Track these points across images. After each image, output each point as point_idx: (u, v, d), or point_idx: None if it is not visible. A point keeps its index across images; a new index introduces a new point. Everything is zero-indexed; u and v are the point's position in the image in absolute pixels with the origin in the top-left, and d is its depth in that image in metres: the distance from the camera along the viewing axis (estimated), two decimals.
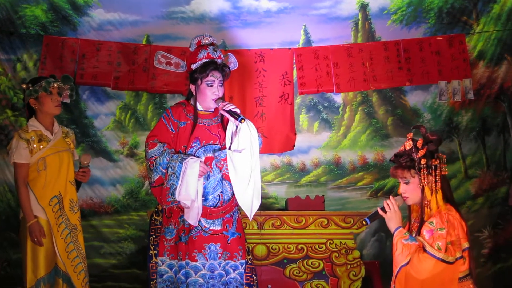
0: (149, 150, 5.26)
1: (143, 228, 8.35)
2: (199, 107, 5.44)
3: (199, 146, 5.29)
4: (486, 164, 8.42)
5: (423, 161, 4.30)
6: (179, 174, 5.06)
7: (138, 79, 8.04)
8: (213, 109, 5.45)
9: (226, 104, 5.25)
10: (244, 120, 5.15)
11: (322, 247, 7.36)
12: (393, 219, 4.38)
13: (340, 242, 7.37)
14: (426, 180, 4.30)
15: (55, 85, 5.83)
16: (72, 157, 6.01)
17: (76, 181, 6.02)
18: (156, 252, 5.36)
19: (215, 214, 5.28)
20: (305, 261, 7.36)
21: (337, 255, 7.34)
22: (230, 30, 8.44)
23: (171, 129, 5.38)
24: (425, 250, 4.17)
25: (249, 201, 5.26)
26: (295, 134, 8.19)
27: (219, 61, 5.38)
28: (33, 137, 5.74)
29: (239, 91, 8.08)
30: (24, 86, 5.92)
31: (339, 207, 8.40)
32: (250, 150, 5.21)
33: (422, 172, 4.31)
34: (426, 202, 4.31)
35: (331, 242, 7.37)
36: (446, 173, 4.40)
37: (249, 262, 5.43)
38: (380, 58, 8.11)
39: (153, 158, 5.23)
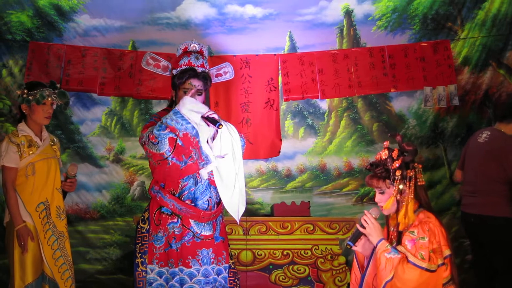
0: (145, 132, 5.12)
1: (129, 233, 8.33)
2: None
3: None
4: None
5: (398, 173, 4.29)
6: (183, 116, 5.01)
7: (124, 85, 8.05)
8: None
9: (209, 111, 5.21)
10: (222, 125, 5.08)
11: (307, 253, 7.38)
12: (373, 233, 4.36)
13: (326, 247, 7.40)
14: (400, 191, 4.31)
15: (49, 99, 5.81)
16: (58, 164, 6.00)
17: (63, 190, 6.02)
18: (143, 260, 5.29)
19: (207, 218, 5.26)
20: (290, 267, 7.38)
21: (322, 260, 7.37)
22: (215, 36, 8.43)
23: None
24: (408, 261, 4.16)
25: (235, 206, 5.24)
26: (281, 140, 8.21)
27: (200, 69, 5.34)
28: (23, 142, 5.74)
29: (225, 97, 8.09)
30: (18, 92, 5.92)
31: (325, 213, 8.40)
32: (232, 154, 5.21)
33: (396, 184, 4.31)
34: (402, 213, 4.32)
35: (317, 248, 7.40)
36: (423, 183, 4.40)
37: (232, 266, 5.40)
38: (365, 64, 8.15)
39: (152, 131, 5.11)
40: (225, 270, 5.32)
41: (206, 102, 7.49)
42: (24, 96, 5.78)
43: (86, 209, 8.45)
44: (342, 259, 7.40)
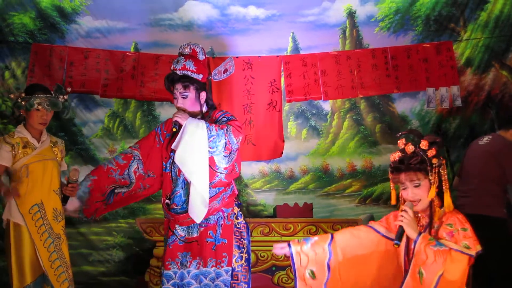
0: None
1: (131, 235, 8.34)
2: None
3: (173, 156, 5.31)
4: None
5: (434, 160, 4.25)
6: None
7: (126, 86, 8.03)
8: (196, 118, 5.44)
9: (174, 115, 5.24)
10: (176, 129, 5.16)
11: None
12: (411, 226, 4.23)
13: None
14: (437, 180, 4.27)
15: (39, 107, 5.76)
16: (58, 166, 5.95)
17: (65, 195, 5.99)
18: None
19: (183, 220, 5.28)
20: None
21: None
22: (218, 37, 8.44)
23: (159, 140, 5.53)
24: (455, 250, 4.07)
25: (192, 205, 5.22)
26: (283, 141, 8.18)
27: (180, 72, 5.34)
28: (18, 143, 5.71)
29: (227, 98, 8.08)
30: (12, 96, 5.92)
31: (328, 214, 8.40)
32: (190, 149, 5.18)
33: (433, 172, 4.27)
34: (436, 203, 4.29)
35: None
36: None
37: (238, 269, 5.36)
38: (368, 66, 8.13)
39: None
40: (227, 273, 5.26)
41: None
42: (18, 100, 5.76)
43: None
44: None
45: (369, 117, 8.71)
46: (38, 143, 5.81)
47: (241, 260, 5.40)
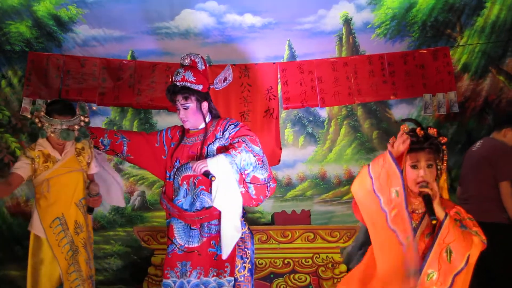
0: None
1: (129, 244, 8.33)
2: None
3: (178, 166, 5.35)
4: None
5: (444, 147, 4.29)
6: None
7: (123, 94, 8.04)
8: (199, 127, 5.49)
9: (196, 167, 5.16)
10: (215, 177, 5.11)
11: (308, 261, 7.37)
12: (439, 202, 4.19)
13: (327, 256, 7.39)
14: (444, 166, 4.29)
15: (52, 135, 5.66)
16: (83, 176, 5.83)
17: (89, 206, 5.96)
18: None
19: (189, 219, 5.30)
20: (291, 276, 7.37)
21: (323, 269, 7.35)
22: (214, 45, 8.45)
23: (160, 140, 5.63)
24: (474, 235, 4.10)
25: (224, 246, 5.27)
26: (281, 148, 8.19)
27: (180, 84, 5.37)
28: (38, 156, 5.66)
29: (224, 106, 8.06)
30: (30, 115, 5.81)
31: (325, 221, 8.39)
32: (226, 208, 5.23)
33: (443, 159, 4.29)
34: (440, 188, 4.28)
35: (318, 256, 7.38)
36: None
37: (240, 279, 5.34)
38: (364, 72, 8.15)
39: None
40: (229, 283, 5.24)
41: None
42: (36, 121, 5.62)
43: None
44: (343, 267, 7.38)
45: (366, 123, 8.71)
46: (61, 155, 5.76)
47: (244, 270, 5.37)
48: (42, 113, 5.57)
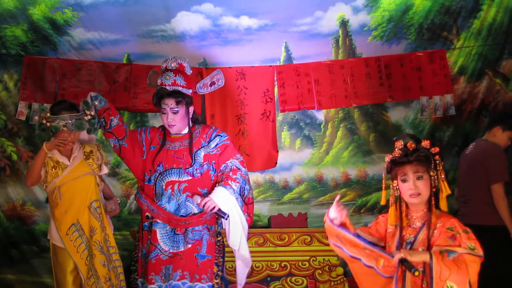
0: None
1: (126, 247, 8.27)
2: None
3: (162, 170, 5.37)
4: None
5: (437, 157, 4.23)
6: None
7: (119, 98, 8.01)
8: (183, 132, 5.51)
9: (206, 207, 5.23)
10: (229, 216, 5.26)
11: (305, 264, 7.36)
12: (414, 253, 4.07)
13: (324, 259, 7.38)
14: (441, 176, 4.26)
15: (65, 129, 5.59)
16: (95, 178, 5.81)
17: None
18: (136, 273, 5.61)
19: (176, 222, 5.34)
20: (288, 279, 7.36)
21: (320, 272, 7.35)
22: (210, 48, 8.43)
23: (140, 139, 5.63)
24: (466, 253, 4.03)
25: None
26: (277, 151, 8.19)
27: (170, 88, 5.38)
28: (47, 162, 5.63)
29: (221, 109, 8.07)
30: (36, 117, 5.82)
31: (322, 224, 8.28)
32: (239, 244, 5.41)
33: (436, 169, 4.22)
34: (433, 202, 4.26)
35: (314, 259, 7.38)
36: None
37: (216, 285, 5.42)
38: (361, 75, 8.15)
39: None
40: None
41: (202, 115, 7.51)
42: (43, 121, 5.61)
43: None
44: (340, 270, 7.38)
45: (363, 126, 8.71)
46: (69, 160, 5.73)
47: (218, 278, 5.45)
48: (48, 114, 5.57)
